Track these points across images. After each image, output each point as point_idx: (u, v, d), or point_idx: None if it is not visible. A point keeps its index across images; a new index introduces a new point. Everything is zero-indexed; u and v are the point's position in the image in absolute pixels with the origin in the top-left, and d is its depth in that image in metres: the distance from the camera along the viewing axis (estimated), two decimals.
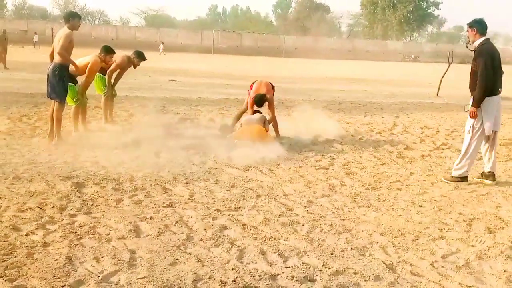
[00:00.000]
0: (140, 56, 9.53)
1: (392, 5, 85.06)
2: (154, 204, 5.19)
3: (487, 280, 3.81)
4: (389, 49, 64.54)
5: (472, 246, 4.49)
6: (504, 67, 22.40)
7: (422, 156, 8.14)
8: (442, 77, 18.75)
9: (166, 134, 8.61)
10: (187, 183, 6.04)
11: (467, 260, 4.16)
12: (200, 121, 10.59)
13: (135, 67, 9.66)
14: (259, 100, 8.71)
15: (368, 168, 7.19)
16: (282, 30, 79.51)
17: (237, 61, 41.88)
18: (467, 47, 7.01)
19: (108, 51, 8.96)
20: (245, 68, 32.21)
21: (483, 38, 6.58)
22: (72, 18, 7.69)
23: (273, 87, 9.17)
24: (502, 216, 5.33)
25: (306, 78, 24.57)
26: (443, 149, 8.83)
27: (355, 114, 12.83)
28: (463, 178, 6.66)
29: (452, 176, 6.71)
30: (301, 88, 19.45)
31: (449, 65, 19.32)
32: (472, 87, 6.62)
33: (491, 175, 6.68)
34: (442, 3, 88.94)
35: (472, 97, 6.53)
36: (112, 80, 9.50)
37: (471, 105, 6.50)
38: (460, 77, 23.71)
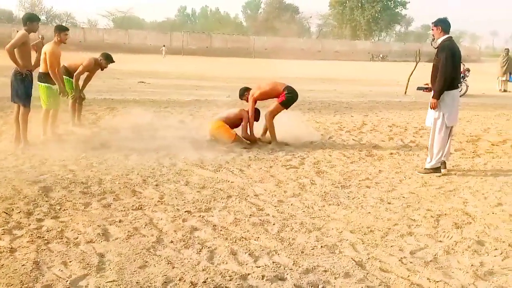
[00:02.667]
0: (108, 58, 9.47)
1: (360, 5, 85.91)
2: (123, 207, 5.14)
3: (455, 274, 3.88)
4: (358, 49, 65.12)
5: (440, 241, 4.56)
6: (470, 65, 22.81)
7: (391, 154, 8.24)
8: (410, 75, 19.02)
9: (135, 137, 8.54)
10: (156, 185, 6.00)
11: (435, 255, 4.23)
12: (170, 123, 10.52)
13: (102, 69, 9.59)
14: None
15: (337, 166, 7.25)
16: (252, 31, 79.68)
17: (207, 62, 41.77)
18: (431, 44, 7.29)
19: (108, 58, 9.34)
20: (215, 69, 32.14)
21: (446, 36, 6.92)
22: (30, 21, 7.56)
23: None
24: (469, 212, 5.43)
25: (276, 79, 24.55)
26: (411, 146, 8.95)
27: (324, 113, 12.93)
28: (436, 169, 6.96)
29: (424, 169, 7.04)
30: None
31: (416, 64, 19.60)
32: (433, 81, 6.95)
33: (442, 163, 7.05)
34: (409, 2, 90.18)
35: (432, 90, 6.89)
36: (80, 84, 9.40)
37: (432, 97, 6.88)
38: (427, 75, 24.15)
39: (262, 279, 3.65)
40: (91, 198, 5.40)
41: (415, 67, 19.32)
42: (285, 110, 8.70)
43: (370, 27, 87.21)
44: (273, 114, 8.62)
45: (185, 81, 21.65)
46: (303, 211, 5.27)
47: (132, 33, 62.89)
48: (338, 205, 5.53)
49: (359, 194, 5.98)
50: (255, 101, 8.65)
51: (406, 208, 5.48)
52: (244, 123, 8.62)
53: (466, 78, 18.61)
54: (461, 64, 20.00)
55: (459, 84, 7.01)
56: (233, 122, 8.67)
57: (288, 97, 8.58)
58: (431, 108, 6.92)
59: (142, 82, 20.19)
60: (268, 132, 8.68)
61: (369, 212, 5.31)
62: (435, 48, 7.05)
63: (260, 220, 4.92)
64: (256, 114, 8.72)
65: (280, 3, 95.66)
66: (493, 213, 5.43)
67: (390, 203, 5.65)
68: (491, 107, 15.18)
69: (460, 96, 18.74)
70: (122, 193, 5.64)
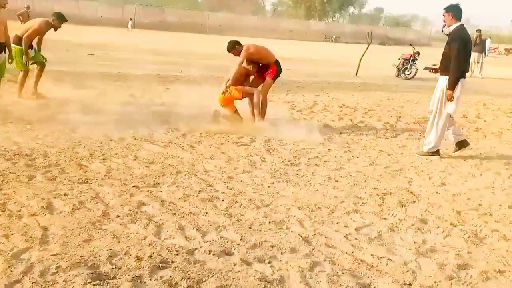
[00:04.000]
0: (60, 18, 9.04)
1: None
2: (69, 181, 5.02)
3: (398, 251, 3.99)
4: (312, 29, 65.30)
5: (385, 219, 4.68)
6: (420, 49, 23.13)
7: (340, 133, 8.34)
8: (361, 57, 19.24)
9: (83, 110, 8.32)
10: (104, 159, 5.88)
11: (379, 232, 4.33)
12: (120, 96, 10.30)
13: (55, 30, 9.13)
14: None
15: (288, 145, 7.28)
16: (207, 7, 78.63)
17: (159, 36, 41.00)
18: (442, 31, 7.27)
19: (60, 17, 9.01)
20: (168, 44, 31.62)
21: (458, 24, 6.85)
22: None
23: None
24: (413, 191, 5.58)
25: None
26: (360, 126, 9.09)
27: (277, 92, 12.91)
28: (434, 153, 7.09)
29: (423, 151, 7.18)
30: (226, 65, 19.32)
31: (368, 46, 19.84)
32: (443, 69, 6.94)
33: (438, 153, 7.18)
34: None
35: (447, 79, 6.80)
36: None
37: (448, 88, 6.79)
38: (378, 57, 24.49)
39: (209, 253, 3.65)
40: (36, 171, 5.25)
41: (367, 49, 19.55)
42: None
43: (324, 8, 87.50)
44: (267, 90, 8.52)
45: (137, 55, 21.21)
46: (253, 188, 5.28)
47: (82, 4, 60.96)
48: (287, 182, 5.58)
49: (308, 172, 6.04)
50: (246, 58, 8.25)
51: (353, 186, 5.58)
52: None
53: (416, 61, 18.99)
54: (412, 47, 20.37)
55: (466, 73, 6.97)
56: (240, 82, 8.42)
57: (278, 71, 8.47)
58: (448, 100, 6.83)
59: (92, 54, 19.65)
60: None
61: (317, 190, 5.37)
62: (446, 35, 7.07)
63: (209, 196, 4.91)
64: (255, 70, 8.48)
65: None
66: (436, 192, 5.59)
67: (337, 181, 5.74)
68: None
69: (409, 79, 19.04)
70: (68, 166, 5.50)
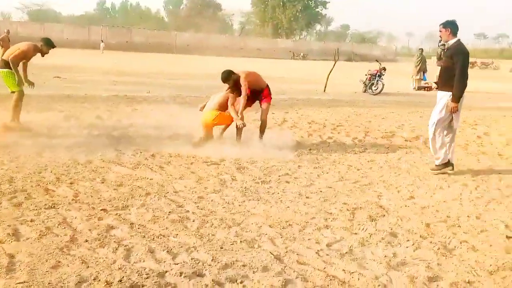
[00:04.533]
0: (49, 43, 8.81)
1: (282, 4, 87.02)
2: (35, 206, 4.91)
3: (369, 265, 4.00)
4: (280, 47, 65.94)
5: (355, 233, 4.70)
6: (386, 64, 23.51)
7: (310, 149, 8.39)
8: (329, 74, 19.47)
9: (49, 133, 8.20)
10: (71, 183, 5.78)
11: (350, 247, 4.34)
12: (87, 118, 10.19)
13: (43, 55, 8.89)
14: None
15: (258, 162, 7.28)
16: (174, 27, 78.74)
17: (126, 57, 40.86)
18: (438, 46, 7.35)
19: (49, 43, 8.75)
20: (135, 64, 31.50)
21: (456, 39, 6.94)
22: None
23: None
24: (383, 205, 5.63)
25: (199, 75, 24.50)
26: (329, 142, 9.16)
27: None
28: (446, 164, 7.10)
29: (436, 165, 7.16)
30: (194, 85, 19.34)
31: (335, 63, 20.11)
32: (443, 83, 7.00)
33: (450, 164, 7.17)
34: (329, 2, 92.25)
35: (451, 93, 6.83)
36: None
37: (452, 101, 6.82)
38: (345, 73, 24.82)
39: (180, 276, 3.61)
40: (1, 197, 5.13)
41: (334, 65, 19.81)
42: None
43: (292, 26, 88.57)
44: (267, 113, 8.66)
45: (104, 76, 21.07)
46: (223, 207, 5.26)
47: (48, 27, 60.44)
48: (258, 200, 5.57)
49: (278, 189, 6.05)
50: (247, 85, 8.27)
51: (323, 202, 5.60)
52: (233, 102, 8.30)
53: (382, 76, 19.31)
54: (378, 63, 20.70)
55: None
56: (226, 107, 8.39)
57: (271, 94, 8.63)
58: (451, 113, 6.88)
59: (58, 77, 19.45)
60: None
61: (288, 207, 5.38)
62: (443, 50, 7.13)
63: (180, 217, 4.86)
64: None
65: (202, 0, 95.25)
66: (405, 205, 5.65)
67: (308, 198, 5.76)
68: (406, 105, 15.81)
69: (376, 94, 19.35)
70: (34, 191, 5.39)
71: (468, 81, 6.91)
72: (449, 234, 4.78)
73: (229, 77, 8.28)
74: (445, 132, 7.10)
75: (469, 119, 12.76)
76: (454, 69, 6.80)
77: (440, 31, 7.04)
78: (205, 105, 8.56)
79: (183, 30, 67.57)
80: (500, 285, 3.76)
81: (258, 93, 8.53)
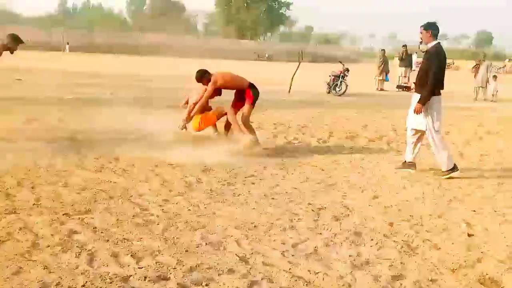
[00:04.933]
0: (16, 39, 8.40)
1: (245, 5, 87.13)
2: None
3: (334, 265, 4.04)
4: (244, 48, 65.97)
5: (320, 234, 4.73)
6: (350, 65, 23.71)
7: (275, 151, 8.41)
8: (293, 75, 19.55)
9: (10, 137, 8.01)
10: (32, 187, 5.66)
11: (315, 247, 4.37)
12: (49, 121, 9.99)
13: (12, 52, 8.55)
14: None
15: (224, 164, 7.25)
16: (137, 28, 77.97)
17: (89, 59, 40.26)
18: (419, 47, 7.38)
19: (17, 39, 8.21)
20: (97, 66, 31.05)
21: (436, 41, 6.97)
22: None
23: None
24: (347, 205, 5.68)
25: (163, 76, 24.28)
26: (294, 143, 9.21)
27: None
28: (453, 169, 7.08)
29: (443, 171, 7.12)
30: (158, 87, 19.15)
31: (299, 64, 20.20)
32: (419, 86, 7.05)
33: (413, 165, 7.31)
34: (292, 3, 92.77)
35: (420, 94, 6.91)
36: None
37: (418, 101, 6.88)
38: (309, 74, 24.96)
39: (145, 280, 3.57)
40: None
41: (298, 66, 19.90)
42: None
43: (256, 27, 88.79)
44: (248, 117, 8.38)
45: (66, 78, 20.69)
46: (189, 210, 5.23)
47: (9, 29, 59.12)
48: (224, 202, 5.56)
49: (244, 190, 6.05)
50: (215, 90, 8.21)
51: (288, 203, 5.62)
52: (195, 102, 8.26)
53: (345, 77, 19.50)
54: (341, 64, 20.90)
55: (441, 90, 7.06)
56: (205, 107, 8.38)
57: (255, 94, 8.40)
58: (415, 113, 6.94)
59: (19, 79, 19.01)
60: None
61: (254, 208, 5.38)
62: (422, 52, 7.17)
63: (144, 220, 4.81)
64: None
65: (166, 1, 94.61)
66: (369, 205, 5.72)
67: (273, 199, 5.77)
68: (369, 106, 16.02)
69: (340, 95, 19.51)
70: None
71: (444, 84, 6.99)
72: (412, 233, 4.86)
73: (202, 76, 8.27)
74: (414, 132, 7.21)
75: None
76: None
77: (421, 32, 7.07)
78: (187, 101, 8.47)
79: (146, 31, 66.91)
80: (462, 282, 3.83)
81: (242, 92, 8.42)
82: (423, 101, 6.88)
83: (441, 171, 7.16)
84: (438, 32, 7.04)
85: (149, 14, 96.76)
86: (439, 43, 7.06)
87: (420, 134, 7.23)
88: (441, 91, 7.03)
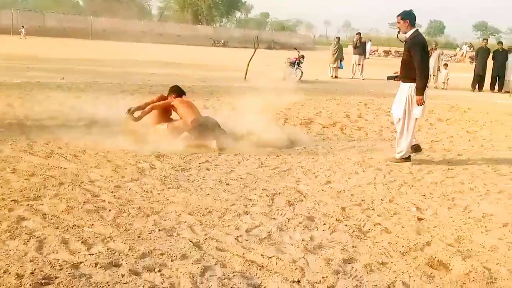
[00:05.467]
0: None
1: None
2: None
3: (287, 249, 4.07)
4: (200, 34, 65.24)
5: (274, 219, 4.76)
6: (305, 52, 23.84)
7: (231, 137, 8.36)
8: (249, 61, 19.52)
9: None
10: None
11: (269, 232, 4.39)
12: None
13: None
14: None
15: (178, 150, 7.18)
16: (90, 12, 76.04)
17: (40, 42, 39.07)
18: (397, 37, 7.35)
19: None
20: (49, 50, 30.18)
21: (414, 30, 6.97)
22: None
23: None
24: (301, 190, 5.73)
25: (116, 61, 23.83)
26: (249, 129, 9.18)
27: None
28: (406, 159, 7.17)
29: (396, 158, 7.19)
30: (111, 72, 18.79)
31: (255, 50, 20.17)
32: (405, 76, 7.06)
33: (418, 147, 7.35)
34: None
35: (412, 86, 6.96)
36: None
37: (417, 94, 6.88)
38: (265, 61, 24.97)
39: (96, 266, 3.50)
40: None
41: (254, 53, 19.87)
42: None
43: (211, 13, 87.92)
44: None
45: (15, 62, 20.04)
46: (142, 196, 5.16)
47: None
48: (178, 188, 5.51)
49: (199, 176, 6.01)
50: (167, 107, 8.02)
51: (243, 189, 5.63)
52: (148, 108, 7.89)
53: (301, 64, 19.61)
54: (297, 51, 20.98)
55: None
56: (163, 118, 8.04)
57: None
58: (418, 105, 6.93)
59: None
60: None
61: (208, 194, 5.36)
62: (402, 41, 7.11)
63: (95, 206, 4.72)
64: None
65: None
66: (322, 190, 5.79)
67: (228, 184, 5.77)
68: (323, 92, 16.16)
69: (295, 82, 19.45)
70: None
71: (425, 71, 7.02)
72: (363, 217, 4.95)
73: (169, 93, 8.27)
74: (413, 124, 7.20)
75: (383, 106, 13.22)
76: (412, 61, 6.91)
77: (398, 22, 7.08)
78: (130, 108, 8.09)
79: (99, 15, 65.36)
80: (412, 265, 3.92)
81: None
82: (421, 92, 6.92)
83: (395, 158, 7.29)
84: (415, 20, 7.05)
85: None
86: (417, 30, 7.08)
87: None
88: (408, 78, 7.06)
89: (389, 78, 8.15)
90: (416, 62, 6.87)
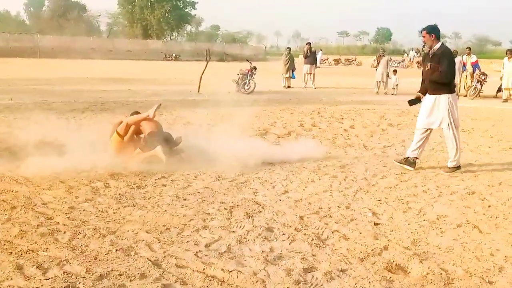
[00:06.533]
0: None
1: (149, 4, 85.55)
2: None
3: (247, 262, 4.06)
4: (151, 48, 64.71)
5: (233, 232, 4.75)
6: (257, 63, 23.93)
7: (186, 151, 8.31)
8: (202, 74, 19.49)
9: None
10: None
11: (228, 246, 4.38)
12: None
13: None
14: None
15: (133, 167, 7.08)
16: (36, 30, 74.46)
17: None
18: (422, 50, 7.50)
19: None
20: None
21: (440, 43, 7.18)
22: None
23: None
24: (259, 201, 5.75)
25: (65, 79, 23.36)
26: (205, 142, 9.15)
27: (118, 113, 12.59)
28: (458, 167, 7.30)
29: (449, 168, 7.29)
30: (61, 90, 18.41)
31: (207, 63, 20.16)
32: (434, 88, 7.20)
33: (414, 163, 7.42)
34: (198, 3, 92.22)
35: (447, 96, 7.13)
36: None
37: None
38: (218, 73, 25.00)
39: None
40: None
41: (206, 66, 19.86)
42: None
43: (161, 27, 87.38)
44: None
45: None
46: (97, 216, 5.06)
47: None
48: (134, 206, 5.44)
49: (155, 193, 5.95)
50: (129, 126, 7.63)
51: (201, 203, 5.60)
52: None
53: (253, 76, 19.71)
54: (249, 62, 21.08)
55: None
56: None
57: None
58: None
59: None
60: None
61: (165, 210, 5.31)
62: (428, 54, 7.26)
63: (49, 229, 4.61)
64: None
65: (65, 1, 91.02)
66: (280, 200, 5.82)
67: (185, 200, 5.73)
68: (277, 103, 16.27)
69: (248, 93, 19.69)
70: None
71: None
72: (321, 225, 4.99)
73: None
74: (421, 132, 7.41)
75: (336, 113, 13.43)
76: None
77: (424, 36, 7.26)
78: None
79: (46, 33, 64.08)
80: (371, 270, 3.98)
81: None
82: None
83: (449, 168, 7.37)
84: (440, 34, 7.25)
85: (48, 15, 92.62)
86: (443, 44, 7.32)
87: (427, 134, 7.42)
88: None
89: (411, 103, 7.97)
90: (442, 69, 7.09)
